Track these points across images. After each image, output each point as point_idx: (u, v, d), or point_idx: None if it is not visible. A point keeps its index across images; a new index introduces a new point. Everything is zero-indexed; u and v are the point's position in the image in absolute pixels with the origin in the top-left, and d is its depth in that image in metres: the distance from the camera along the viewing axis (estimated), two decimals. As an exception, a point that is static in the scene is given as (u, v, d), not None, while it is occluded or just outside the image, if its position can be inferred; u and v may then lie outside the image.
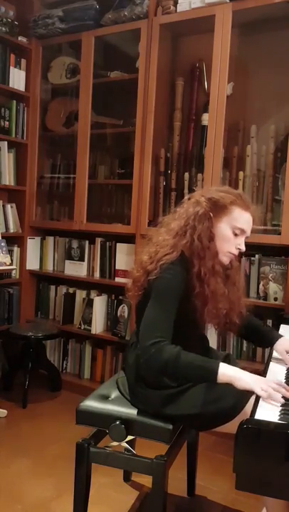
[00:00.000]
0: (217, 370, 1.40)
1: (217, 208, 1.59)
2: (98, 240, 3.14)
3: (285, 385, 1.36)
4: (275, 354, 1.72)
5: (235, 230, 1.59)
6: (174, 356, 1.41)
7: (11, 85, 3.12)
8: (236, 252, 1.63)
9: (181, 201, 1.72)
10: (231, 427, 1.38)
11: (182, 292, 1.52)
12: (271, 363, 1.65)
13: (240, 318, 1.72)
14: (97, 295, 3.15)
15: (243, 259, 2.57)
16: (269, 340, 1.76)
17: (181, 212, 1.64)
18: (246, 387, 1.36)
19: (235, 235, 1.60)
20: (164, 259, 1.53)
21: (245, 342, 2.63)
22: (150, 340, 1.44)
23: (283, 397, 1.29)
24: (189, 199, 1.67)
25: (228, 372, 1.40)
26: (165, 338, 1.45)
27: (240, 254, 1.74)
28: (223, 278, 1.62)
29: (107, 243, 3.11)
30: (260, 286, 2.57)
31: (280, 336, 1.75)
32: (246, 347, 2.63)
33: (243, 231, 1.60)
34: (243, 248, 1.63)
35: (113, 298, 3.11)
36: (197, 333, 1.71)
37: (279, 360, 1.67)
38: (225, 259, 1.62)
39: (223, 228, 1.59)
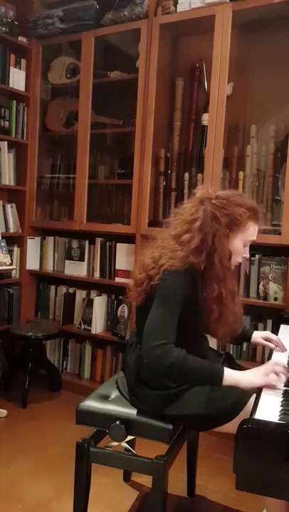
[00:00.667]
0: (222, 373, 1.43)
1: (234, 226, 1.56)
2: (98, 240, 3.14)
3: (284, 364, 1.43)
4: (274, 354, 1.73)
5: (246, 243, 1.61)
6: (181, 359, 1.42)
7: (11, 85, 3.12)
8: (241, 260, 1.65)
9: (185, 201, 1.67)
10: (231, 427, 1.38)
11: (184, 299, 1.51)
12: (273, 354, 1.68)
13: (240, 328, 1.77)
14: (97, 295, 3.15)
15: (247, 256, 2.57)
16: (245, 336, 1.87)
17: (191, 220, 1.56)
18: (252, 385, 1.40)
19: (244, 245, 1.62)
20: (167, 265, 1.51)
21: (245, 342, 2.63)
22: (155, 342, 1.43)
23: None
24: (197, 199, 1.60)
25: (233, 376, 1.43)
26: (170, 341, 1.45)
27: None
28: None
29: (107, 243, 3.11)
30: (260, 286, 2.57)
31: (252, 331, 1.88)
32: (246, 347, 2.64)
33: (252, 241, 1.63)
34: (248, 256, 1.67)
35: (113, 298, 3.11)
36: (197, 333, 1.71)
37: (279, 360, 1.68)
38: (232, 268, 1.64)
39: (237, 243, 1.59)
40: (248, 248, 1.65)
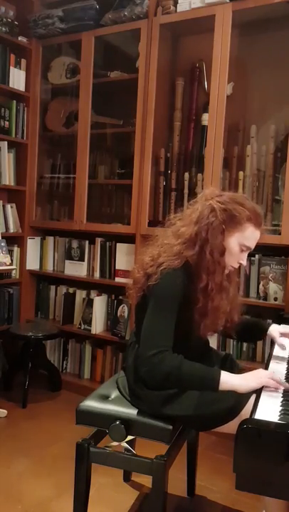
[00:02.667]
0: (218, 379, 1.42)
1: (231, 223, 1.54)
2: (98, 240, 3.14)
3: (284, 382, 1.38)
4: (274, 353, 1.73)
5: (242, 247, 1.58)
6: (176, 367, 1.43)
7: (11, 85, 3.12)
8: (237, 266, 1.63)
9: (192, 200, 1.66)
10: (231, 427, 1.38)
11: (182, 299, 1.51)
12: (271, 362, 1.65)
13: (233, 327, 1.73)
14: (97, 295, 3.15)
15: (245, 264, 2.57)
16: (261, 329, 1.83)
17: (192, 217, 1.57)
18: (251, 389, 1.39)
19: (241, 250, 1.59)
20: (165, 265, 1.51)
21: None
22: (151, 350, 1.44)
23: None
24: (202, 197, 1.60)
25: (229, 381, 1.42)
26: (166, 347, 1.46)
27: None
28: (228, 294, 1.62)
29: (107, 243, 3.11)
30: (260, 286, 2.57)
31: (270, 324, 1.84)
32: (246, 347, 2.63)
33: (249, 248, 1.60)
34: (245, 263, 1.63)
35: (113, 298, 3.11)
36: (197, 334, 1.71)
37: (279, 361, 1.68)
38: (225, 271, 1.61)
39: (233, 243, 1.56)
40: (245, 255, 1.61)
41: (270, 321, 1.91)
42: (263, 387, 1.36)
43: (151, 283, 1.52)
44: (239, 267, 1.66)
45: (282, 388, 1.34)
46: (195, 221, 1.55)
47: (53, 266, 3.41)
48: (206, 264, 1.51)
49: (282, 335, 1.78)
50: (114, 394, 1.72)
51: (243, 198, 1.62)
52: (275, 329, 1.80)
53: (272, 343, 1.81)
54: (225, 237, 1.54)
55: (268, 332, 1.80)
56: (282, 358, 1.70)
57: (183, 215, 1.64)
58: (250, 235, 1.57)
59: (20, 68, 3.19)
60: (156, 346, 1.45)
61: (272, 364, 1.64)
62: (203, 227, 1.52)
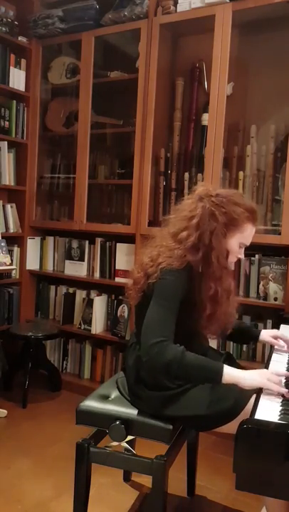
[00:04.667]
0: (222, 371, 1.40)
1: (231, 226, 1.55)
2: (98, 240, 3.14)
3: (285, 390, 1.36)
4: (274, 356, 1.73)
5: (241, 244, 1.60)
6: (179, 356, 1.40)
7: (11, 85, 3.12)
8: (235, 260, 1.64)
9: (185, 197, 1.67)
10: (231, 427, 1.38)
11: (183, 298, 1.51)
12: (271, 362, 1.65)
13: (230, 326, 1.74)
14: (97, 295, 3.15)
15: (243, 259, 2.57)
16: (252, 336, 1.85)
17: (193, 222, 1.55)
18: (254, 384, 1.37)
19: (240, 247, 1.61)
20: (165, 264, 1.51)
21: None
22: (153, 339, 1.42)
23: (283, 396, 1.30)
24: (197, 197, 1.60)
25: (232, 373, 1.41)
26: (168, 338, 1.44)
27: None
28: (234, 295, 1.64)
29: (107, 243, 3.11)
30: (260, 286, 2.57)
31: (260, 330, 1.86)
32: (246, 347, 2.63)
33: (246, 244, 1.62)
34: (243, 257, 1.65)
35: (113, 298, 3.11)
36: (195, 332, 1.71)
37: (278, 361, 1.68)
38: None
39: (234, 243, 1.58)
40: (243, 249, 1.64)
41: (258, 329, 1.94)
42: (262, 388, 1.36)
43: (151, 281, 1.53)
44: (238, 262, 1.68)
45: (282, 391, 1.33)
46: (195, 226, 1.54)
47: (53, 266, 3.41)
48: (212, 270, 1.52)
49: (275, 338, 1.81)
50: (114, 394, 1.72)
51: (238, 196, 1.62)
52: (266, 335, 1.82)
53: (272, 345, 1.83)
54: (226, 239, 1.55)
55: (260, 339, 1.83)
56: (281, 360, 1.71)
57: (177, 214, 1.63)
58: (249, 234, 1.60)
59: (20, 68, 3.19)
60: (157, 336, 1.42)
61: (272, 364, 1.65)
62: (205, 234, 1.52)
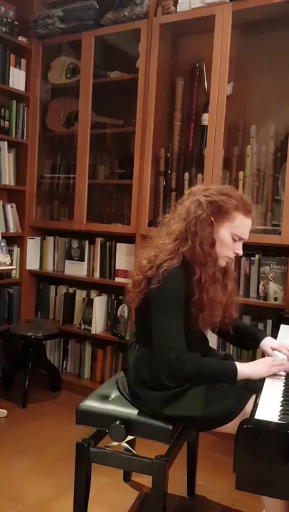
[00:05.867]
0: (236, 370, 1.48)
1: (219, 214, 1.55)
2: (98, 240, 3.14)
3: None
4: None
5: (234, 237, 1.58)
6: (198, 366, 1.48)
7: (11, 85, 3.12)
8: (233, 256, 1.63)
9: (181, 198, 1.69)
10: (231, 427, 1.38)
11: (185, 297, 1.52)
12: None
13: (230, 323, 1.73)
14: (97, 295, 3.15)
15: (243, 259, 2.57)
16: (254, 340, 1.76)
17: (181, 213, 1.60)
18: (263, 376, 1.46)
19: (234, 240, 1.59)
20: (165, 265, 1.51)
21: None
22: (170, 353, 1.47)
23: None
24: (189, 195, 1.64)
25: (244, 370, 1.48)
26: (182, 349, 1.49)
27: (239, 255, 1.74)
28: (222, 285, 1.62)
29: (107, 243, 3.11)
30: (260, 286, 2.57)
31: (265, 336, 1.76)
32: (246, 347, 2.63)
33: (241, 237, 1.60)
34: (241, 253, 1.62)
35: (113, 298, 3.11)
36: (197, 334, 1.71)
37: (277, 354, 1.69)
38: (222, 263, 1.61)
39: (224, 234, 1.57)
40: (240, 244, 1.60)
41: (263, 333, 1.85)
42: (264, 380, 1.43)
43: (153, 286, 1.52)
44: (238, 262, 1.67)
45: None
46: (184, 217, 1.58)
47: (53, 266, 3.41)
48: (197, 257, 1.53)
49: (275, 350, 1.70)
50: (114, 394, 1.72)
51: (229, 189, 1.64)
52: (267, 344, 1.72)
53: None
54: (214, 228, 1.55)
55: (260, 345, 1.74)
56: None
57: (173, 214, 1.66)
58: (240, 224, 1.57)
59: (20, 68, 3.19)
60: (173, 349, 1.47)
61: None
62: (191, 221, 1.55)
